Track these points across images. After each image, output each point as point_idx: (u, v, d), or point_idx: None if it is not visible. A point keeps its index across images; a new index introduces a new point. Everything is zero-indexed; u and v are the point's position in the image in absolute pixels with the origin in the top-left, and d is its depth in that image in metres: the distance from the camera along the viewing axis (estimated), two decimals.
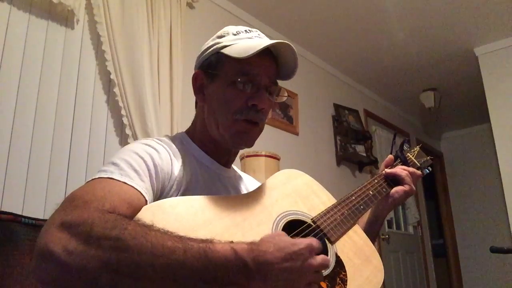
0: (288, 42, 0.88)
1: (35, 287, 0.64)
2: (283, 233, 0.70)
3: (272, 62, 0.93)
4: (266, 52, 0.89)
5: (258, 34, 0.95)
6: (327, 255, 0.83)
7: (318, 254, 0.69)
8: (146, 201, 0.76)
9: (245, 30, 0.95)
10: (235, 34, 0.93)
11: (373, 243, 0.99)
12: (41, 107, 1.90)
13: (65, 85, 2.00)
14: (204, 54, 0.95)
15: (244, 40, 0.91)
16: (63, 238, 0.60)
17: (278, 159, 2.48)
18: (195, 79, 0.97)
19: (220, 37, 0.94)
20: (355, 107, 4.13)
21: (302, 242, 0.67)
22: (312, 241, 0.68)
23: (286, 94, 1.00)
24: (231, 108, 0.89)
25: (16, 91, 1.83)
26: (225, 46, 0.91)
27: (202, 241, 0.63)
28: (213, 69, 0.93)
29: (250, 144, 0.95)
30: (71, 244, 0.60)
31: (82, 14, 2.13)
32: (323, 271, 0.77)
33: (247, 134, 0.92)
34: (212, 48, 0.93)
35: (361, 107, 4.29)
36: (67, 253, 0.59)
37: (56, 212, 0.67)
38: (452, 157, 5.66)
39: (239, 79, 0.89)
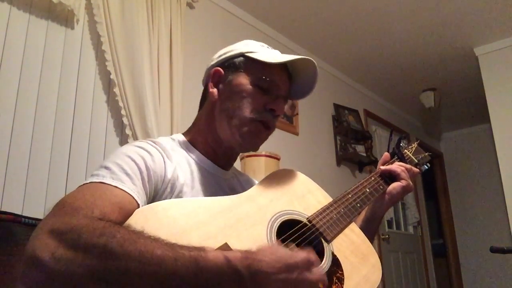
0: (313, 60, 0.93)
1: None
2: (281, 245, 0.69)
3: (289, 79, 0.98)
4: (285, 68, 0.94)
5: (279, 53, 1.00)
6: (323, 254, 0.83)
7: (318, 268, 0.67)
8: (138, 204, 0.75)
9: (268, 46, 1.00)
10: (260, 46, 0.98)
11: (372, 241, 0.99)
12: (41, 107, 1.90)
13: (65, 85, 2.01)
14: (226, 56, 0.97)
15: (271, 50, 0.97)
16: (51, 245, 0.60)
17: (278, 159, 2.48)
18: (213, 74, 0.96)
19: (245, 44, 0.98)
20: (355, 107, 4.13)
21: (300, 255, 0.65)
22: (310, 254, 0.66)
23: (297, 112, 1.05)
24: (251, 105, 0.91)
25: (16, 91, 1.84)
26: (251, 52, 0.94)
27: (194, 249, 0.62)
28: (236, 69, 0.95)
29: (256, 147, 0.96)
30: (59, 251, 0.59)
31: (82, 14, 2.13)
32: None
33: (258, 137, 0.93)
34: (237, 51, 0.96)
35: (361, 107, 4.29)
36: (54, 260, 0.58)
37: (46, 218, 0.66)
38: (452, 157, 5.65)
39: (264, 82, 0.91)
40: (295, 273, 0.63)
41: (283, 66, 0.93)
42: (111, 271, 0.58)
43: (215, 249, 0.63)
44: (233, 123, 0.91)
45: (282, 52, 1.01)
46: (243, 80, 0.92)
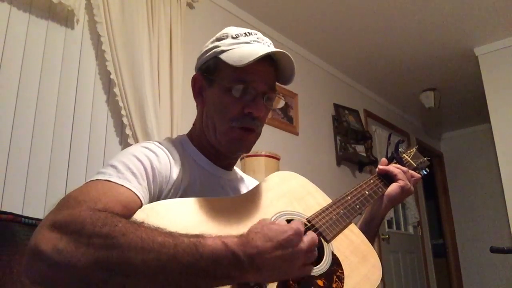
0: (284, 51, 0.88)
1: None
2: (270, 220, 0.71)
3: (270, 68, 0.92)
4: (264, 57, 0.87)
5: (257, 38, 0.94)
6: (323, 253, 0.84)
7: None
8: (142, 204, 0.76)
9: (245, 33, 0.94)
10: (234, 38, 0.92)
11: (373, 243, 0.99)
12: (41, 107, 1.90)
13: (65, 85, 2.01)
14: (203, 58, 0.95)
15: (242, 45, 0.90)
16: (54, 237, 0.61)
17: (278, 159, 2.49)
18: (194, 82, 0.97)
19: (219, 39, 0.94)
20: (355, 107, 4.13)
21: (290, 228, 0.68)
22: (298, 224, 0.69)
23: (283, 100, 1.01)
24: (227, 115, 0.89)
25: (16, 91, 1.84)
26: (223, 51, 0.90)
27: (193, 236, 0.64)
28: (211, 74, 0.93)
29: (247, 150, 0.95)
30: (61, 243, 0.60)
31: (82, 14, 2.13)
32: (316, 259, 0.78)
33: (243, 141, 0.92)
34: (210, 52, 0.93)
35: (361, 107, 4.29)
36: (57, 252, 0.59)
37: (50, 212, 0.67)
38: (452, 157, 5.65)
39: (235, 87, 0.88)
40: (289, 248, 0.66)
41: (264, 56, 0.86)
42: (113, 259, 0.59)
43: (213, 236, 0.65)
44: (217, 132, 0.91)
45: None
46: (218, 89, 0.91)
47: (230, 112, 0.89)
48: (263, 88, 0.90)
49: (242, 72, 0.88)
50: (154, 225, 0.65)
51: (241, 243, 0.64)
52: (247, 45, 0.91)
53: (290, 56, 0.89)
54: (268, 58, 0.90)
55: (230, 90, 0.89)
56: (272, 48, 0.88)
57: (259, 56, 0.84)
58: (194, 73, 0.98)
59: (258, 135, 0.95)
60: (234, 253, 0.62)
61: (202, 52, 0.97)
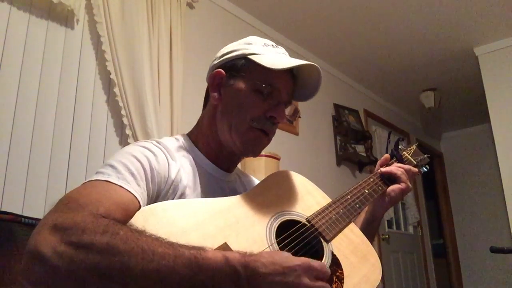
0: (318, 66, 0.91)
1: None
2: (282, 251, 0.70)
3: (292, 81, 0.96)
4: (288, 71, 0.92)
5: (284, 52, 0.97)
6: (323, 253, 0.84)
7: (322, 277, 0.67)
8: (140, 206, 0.76)
9: (272, 45, 0.97)
10: (263, 46, 0.95)
11: (372, 242, 0.99)
12: (41, 107, 1.90)
13: (65, 85, 2.01)
14: (228, 56, 0.95)
15: (273, 54, 0.93)
16: (54, 240, 0.60)
17: (278, 159, 2.49)
18: (214, 76, 0.95)
19: (248, 44, 0.95)
20: (355, 107, 4.13)
21: (299, 259, 0.66)
22: (310, 261, 0.66)
23: (299, 115, 1.04)
24: (250, 114, 0.90)
25: (16, 91, 1.84)
26: (254, 54, 0.92)
27: (194, 248, 0.63)
28: (237, 72, 0.92)
29: (257, 154, 0.96)
30: (61, 247, 0.59)
31: (82, 14, 2.13)
32: None
33: (258, 143, 0.93)
34: (238, 52, 0.94)
35: (361, 107, 4.29)
36: (57, 255, 0.59)
37: (49, 213, 0.66)
38: (452, 157, 5.65)
39: (265, 88, 0.90)
40: (291, 277, 0.63)
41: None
42: (113, 267, 0.59)
43: (214, 249, 0.64)
44: (233, 130, 0.91)
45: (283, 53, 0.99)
46: (244, 86, 0.91)
47: (254, 112, 0.90)
48: (285, 98, 0.94)
49: (273, 77, 0.90)
50: (154, 230, 0.65)
51: (243, 259, 0.63)
52: (277, 54, 0.94)
53: (321, 72, 0.92)
54: (291, 73, 0.94)
55: (258, 90, 0.90)
56: (307, 61, 0.91)
57: (297, 64, 0.88)
58: (210, 73, 0.97)
59: (270, 141, 0.96)
60: (234, 268, 0.62)
61: (225, 52, 0.97)
